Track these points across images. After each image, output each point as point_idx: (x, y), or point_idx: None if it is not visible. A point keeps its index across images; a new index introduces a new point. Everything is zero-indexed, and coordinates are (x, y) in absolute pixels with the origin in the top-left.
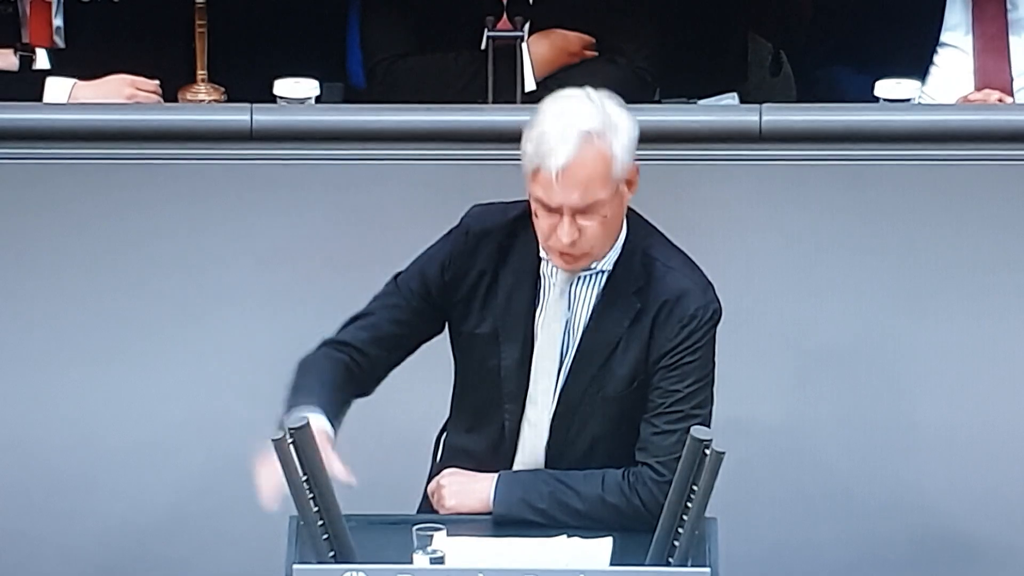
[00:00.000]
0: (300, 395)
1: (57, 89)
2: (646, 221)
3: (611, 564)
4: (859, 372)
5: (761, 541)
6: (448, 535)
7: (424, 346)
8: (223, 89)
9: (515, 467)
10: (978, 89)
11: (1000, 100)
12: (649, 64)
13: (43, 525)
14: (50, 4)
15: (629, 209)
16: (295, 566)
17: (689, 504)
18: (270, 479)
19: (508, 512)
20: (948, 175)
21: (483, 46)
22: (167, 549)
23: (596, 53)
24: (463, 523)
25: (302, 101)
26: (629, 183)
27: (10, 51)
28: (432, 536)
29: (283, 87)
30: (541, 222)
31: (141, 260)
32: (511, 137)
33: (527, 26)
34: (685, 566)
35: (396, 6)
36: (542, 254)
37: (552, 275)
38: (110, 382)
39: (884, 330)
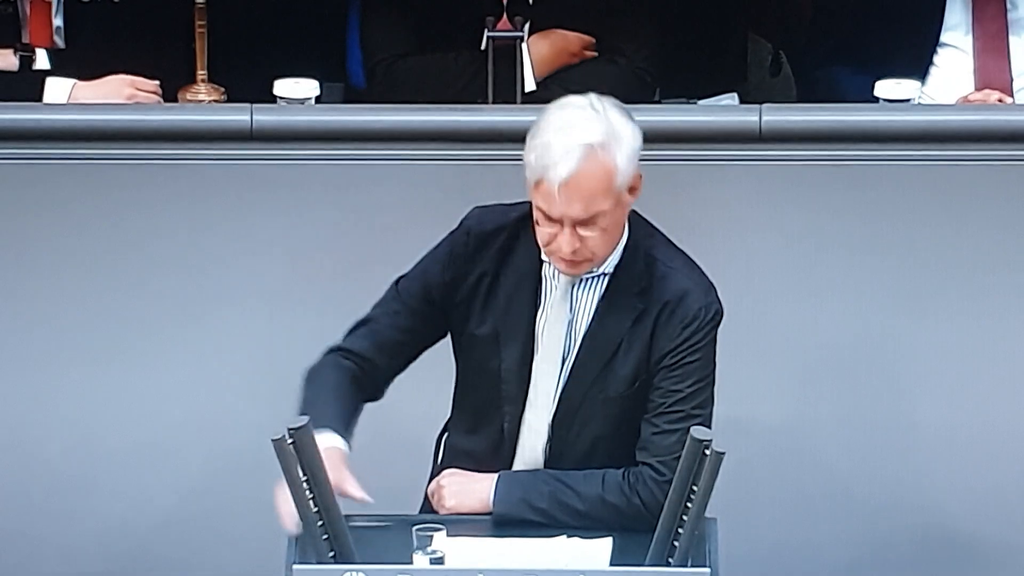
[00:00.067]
0: (314, 414)
1: (57, 89)
2: (647, 222)
3: (611, 564)
4: (859, 372)
5: (761, 541)
6: (448, 535)
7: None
8: (223, 89)
9: (515, 468)
10: (978, 89)
11: (1000, 100)
12: (649, 64)
13: (43, 525)
14: (50, 4)
15: (631, 210)
16: (295, 566)
17: (689, 504)
18: (289, 502)
19: (508, 512)
20: (948, 175)
21: (483, 46)
22: (167, 549)
23: (596, 53)
24: (463, 523)
25: (302, 101)
26: (632, 189)
27: (10, 51)
28: (432, 536)
29: (283, 87)
30: (542, 230)
31: (141, 260)
32: (511, 137)
33: (527, 26)
34: (685, 566)
35: (396, 6)
36: (543, 256)
37: (554, 277)
38: (110, 382)
39: (884, 330)
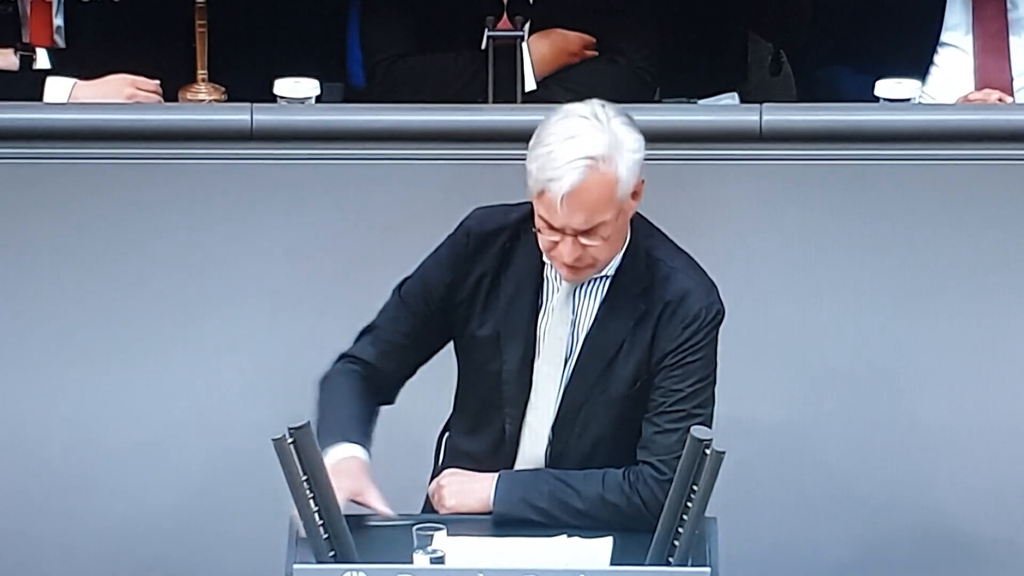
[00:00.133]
0: (331, 425)
1: (57, 89)
2: (649, 222)
3: (611, 564)
4: (859, 372)
5: (761, 541)
6: (448, 535)
7: None
8: (223, 89)
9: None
10: (978, 89)
11: (1000, 100)
12: (649, 64)
13: (43, 525)
14: (50, 4)
15: None
16: (295, 566)
17: (689, 504)
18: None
19: (508, 511)
20: (948, 175)
21: (483, 46)
22: (167, 549)
23: (596, 53)
24: (463, 523)
25: (302, 101)
26: (634, 194)
27: (10, 51)
28: (432, 536)
29: (283, 87)
30: (544, 238)
31: (141, 260)
32: (511, 137)
33: (527, 26)
34: (685, 566)
35: (396, 6)
36: (545, 258)
37: (556, 279)
38: (110, 382)
39: (884, 330)
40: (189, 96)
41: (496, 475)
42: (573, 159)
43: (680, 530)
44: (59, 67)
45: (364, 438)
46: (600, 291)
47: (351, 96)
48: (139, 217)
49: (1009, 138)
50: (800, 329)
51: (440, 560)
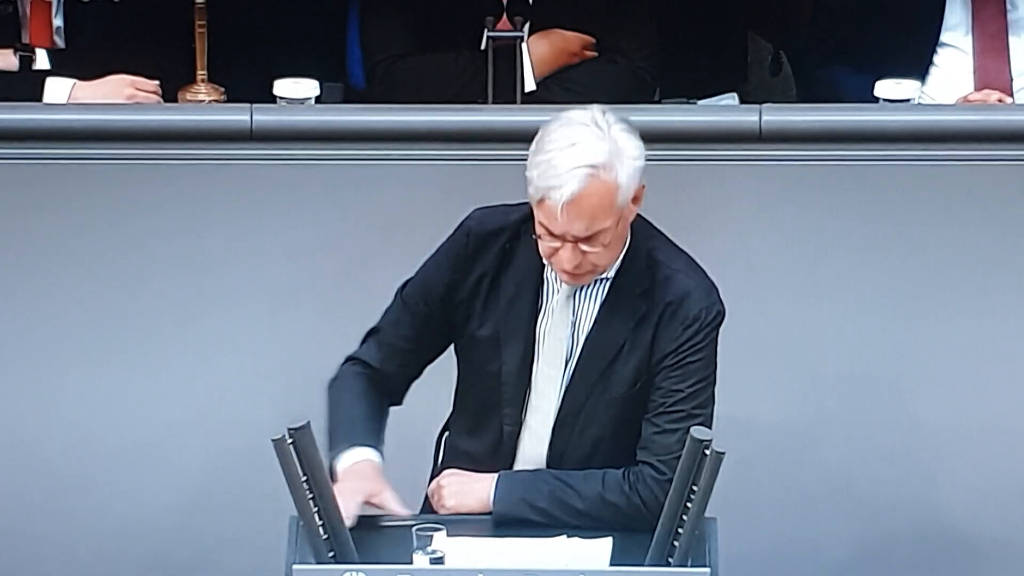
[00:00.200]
0: (343, 428)
1: (57, 89)
2: (649, 223)
3: (611, 564)
4: (859, 372)
5: (761, 541)
6: (448, 535)
7: None
8: (223, 89)
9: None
10: (978, 89)
11: (1000, 100)
12: (649, 64)
13: (43, 525)
14: (50, 4)
15: None
16: (295, 566)
17: (689, 504)
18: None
19: (508, 511)
20: (948, 175)
21: (483, 46)
22: (167, 549)
23: (596, 53)
24: (463, 523)
25: (302, 101)
26: (635, 199)
27: (10, 51)
28: (432, 536)
29: (283, 87)
30: (544, 244)
31: (141, 260)
32: (511, 137)
33: (527, 26)
34: (685, 566)
35: (396, 6)
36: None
37: (555, 280)
38: (110, 382)
39: (884, 330)
40: (189, 96)
41: (496, 475)
42: (573, 167)
43: (680, 530)
44: (59, 67)
45: (376, 440)
46: (600, 293)
47: (351, 96)
48: (139, 217)
49: (1009, 138)
50: (800, 329)
51: (440, 560)
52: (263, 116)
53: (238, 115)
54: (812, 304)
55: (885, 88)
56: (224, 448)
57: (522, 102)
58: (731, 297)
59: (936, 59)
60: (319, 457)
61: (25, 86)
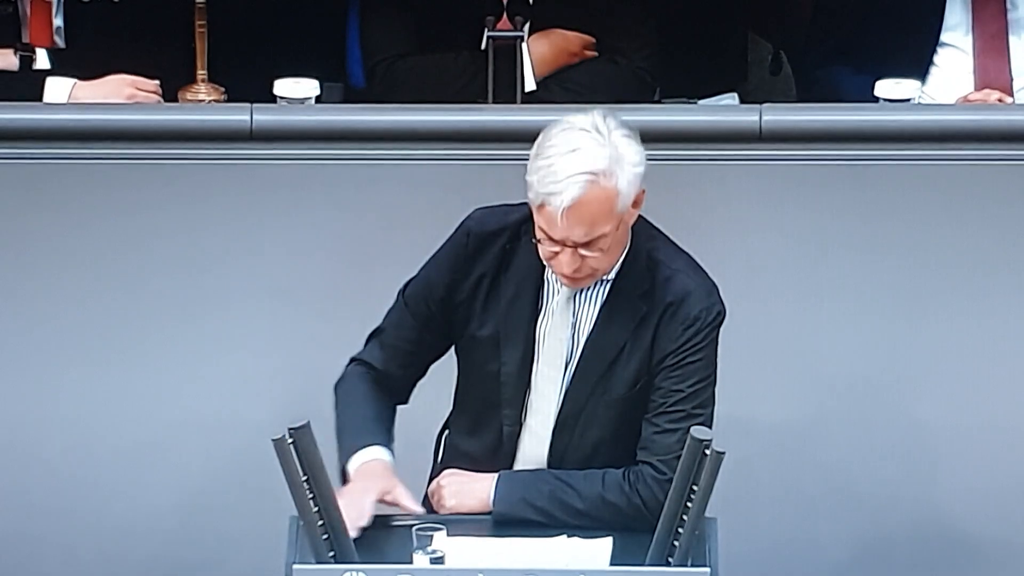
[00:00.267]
0: (353, 429)
1: (57, 89)
2: (649, 223)
3: (611, 564)
4: (859, 371)
5: (761, 541)
6: (448, 535)
7: None
8: (223, 89)
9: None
10: (978, 89)
11: (1000, 100)
12: (649, 64)
13: (43, 525)
14: (50, 4)
15: None
16: (295, 566)
17: (689, 504)
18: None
19: (508, 511)
20: (948, 175)
21: (483, 46)
22: (167, 549)
23: (596, 53)
24: (463, 523)
25: (302, 101)
26: (635, 203)
27: (10, 51)
28: (432, 536)
29: (283, 87)
30: (544, 248)
31: (141, 260)
32: (511, 137)
33: (527, 26)
34: (685, 566)
35: (396, 6)
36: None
37: (556, 282)
38: (110, 382)
39: (884, 330)
40: (189, 96)
41: (496, 475)
42: (573, 174)
43: (680, 530)
44: (59, 67)
45: (386, 439)
46: (601, 294)
47: (351, 96)
48: (139, 217)
49: (1009, 138)
50: (800, 329)
51: (440, 560)
52: (263, 116)
53: (238, 115)
54: (812, 304)
55: (885, 88)
56: (224, 448)
57: (522, 102)
58: (731, 297)
59: (936, 59)
60: (319, 457)
61: (25, 86)
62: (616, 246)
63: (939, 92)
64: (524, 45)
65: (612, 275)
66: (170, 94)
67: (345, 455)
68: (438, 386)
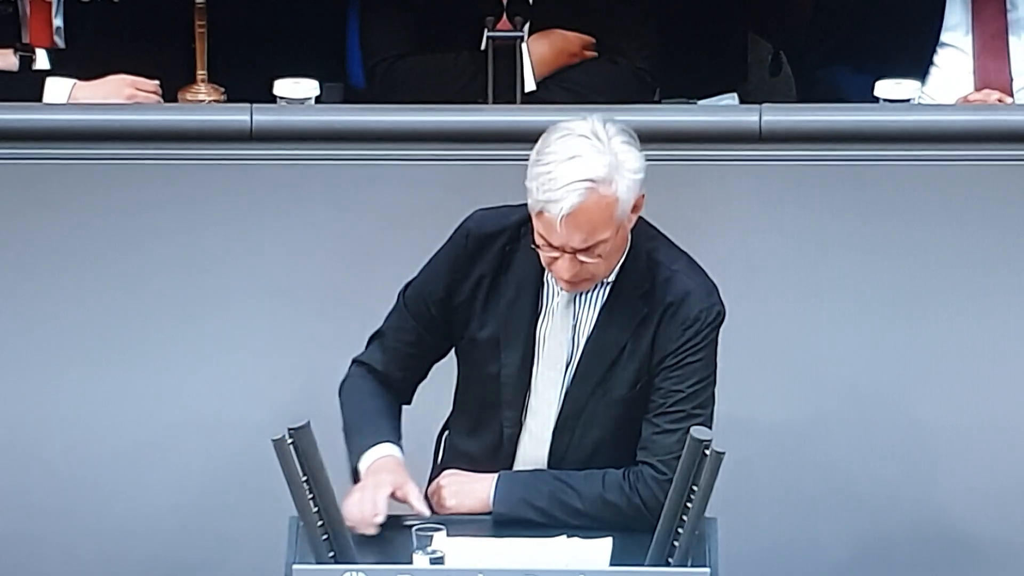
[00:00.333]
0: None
1: (57, 89)
2: (649, 224)
3: (611, 564)
4: (859, 371)
5: (761, 541)
6: (448, 535)
7: None
8: (223, 89)
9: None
10: (978, 89)
11: (1000, 100)
12: (649, 64)
13: (43, 525)
14: (50, 4)
15: None
16: (295, 566)
17: (689, 504)
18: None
19: (508, 511)
20: (948, 175)
21: (483, 46)
22: (167, 549)
23: (596, 53)
24: (463, 523)
25: (302, 101)
26: (634, 208)
27: (10, 51)
28: (432, 536)
29: (283, 87)
30: (543, 253)
31: (141, 260)
32: (511, 137)
33: (527, 26)
34: (685, 566)
35: (396, 6)
36: None
37: (555, 283)
38: (110, 382)
39: (884, 330)
40: (189, 96)
41: (496, 475)
42: (572, 181)
43: (680, 530)
44: (59, 67)
45: (396, 436)
46: (601, 296)
47: (351, 96)
48: (139, 217)
49: (1009, 138)
50: (800, 329)
51: (440, 560)
52: (263, 116)
53: (238, 115)
54: (812, 304)
55: (885, 88)
56: (224, 448)
57: (522, 102)
58: (731, 297)
59: (936, 59)
60: (319, 457)
61: (25, 86)
62: (615, 251)
63: (939, 92)
64: (524, 45)
65: (612, 277)
66: (170, 94)
67: (355, 455)
68: (438, 387)
